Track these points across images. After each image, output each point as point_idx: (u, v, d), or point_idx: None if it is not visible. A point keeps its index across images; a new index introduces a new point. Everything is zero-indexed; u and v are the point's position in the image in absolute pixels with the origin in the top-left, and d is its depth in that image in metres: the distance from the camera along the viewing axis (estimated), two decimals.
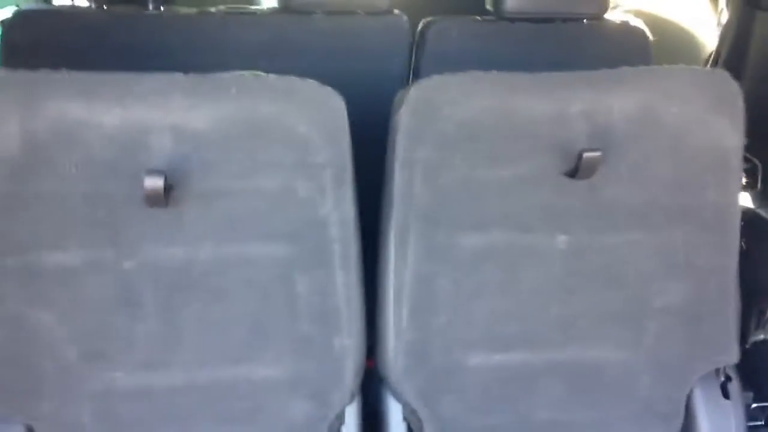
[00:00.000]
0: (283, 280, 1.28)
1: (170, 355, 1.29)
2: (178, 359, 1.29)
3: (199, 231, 1.24)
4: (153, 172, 1.15)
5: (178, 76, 1.19)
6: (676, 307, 1.38)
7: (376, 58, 1.91)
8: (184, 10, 1.97)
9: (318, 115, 1.23)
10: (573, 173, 1.27)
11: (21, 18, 1.84)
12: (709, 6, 2.47)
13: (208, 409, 1.33)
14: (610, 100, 1.27)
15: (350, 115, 1.25)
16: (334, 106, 1.23)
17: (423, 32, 1.94)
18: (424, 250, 1.32)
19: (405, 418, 1.43)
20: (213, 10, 1.96)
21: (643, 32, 2.02)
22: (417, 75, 1.92)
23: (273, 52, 1.86)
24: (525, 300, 1.35)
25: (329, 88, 1.24)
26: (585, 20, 1.97)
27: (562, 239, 1.33)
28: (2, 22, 1.89)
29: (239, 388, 1.33)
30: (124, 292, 1.25)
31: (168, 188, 1.17)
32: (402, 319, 1.34)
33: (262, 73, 1.24)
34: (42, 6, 2.21)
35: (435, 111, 1.26)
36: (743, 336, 1.52)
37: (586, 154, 1.24)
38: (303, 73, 1.24)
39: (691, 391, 1.46)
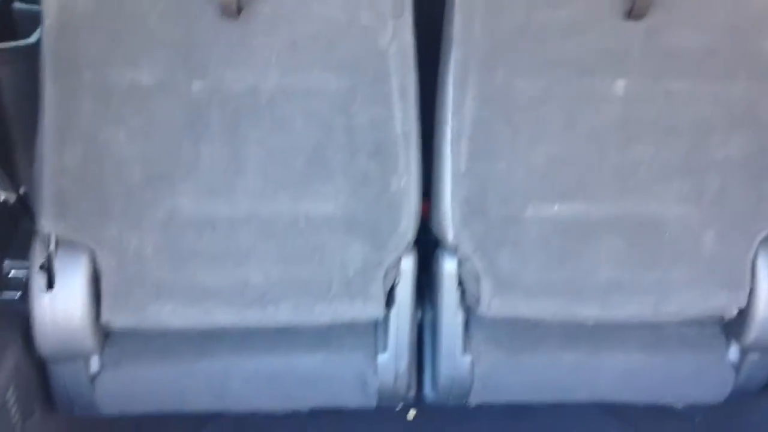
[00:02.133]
0: (343, 112, 1.39)
1: (233, 181, 1.40)
2: (241, 187, 1.40)
3: (265, 55, 1.37)
4: None
5: None
6: (738, 160, 1.44)
7: None
8: None
9: None
10: (630, 9, 1.36)
11: None
12: None
13: (267, 245, 1.43)
14: None
15: None
16: None
17: None
18: (483, 94, 1.40)
19: (460, 284, 1.50)
20: None
21: None
22: None
23: None
24: (583, 146, 1.43)
25: None
26: None
27: (620, 84, 1.41)
28: None
29: (298, 223, 1.42)
30: (191, 113, 1.37)
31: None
32: (460, 165, 1.42)
33: None
34: None
35: None
36: None
37: None
38: None
39: (755, 259, 1.47)
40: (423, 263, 1.51)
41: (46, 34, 1.34)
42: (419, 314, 1.59)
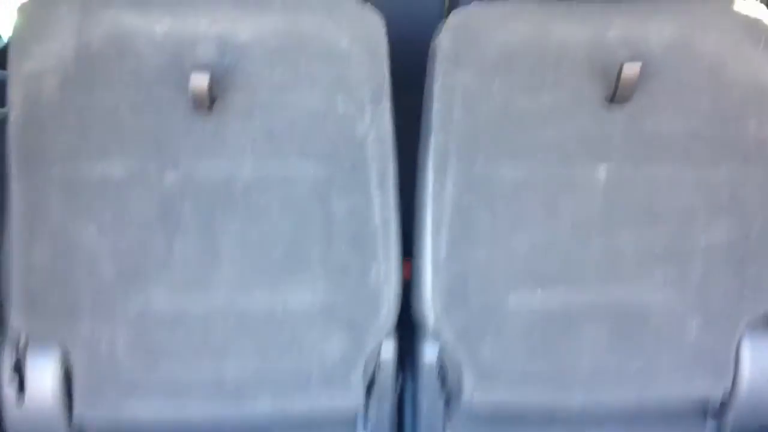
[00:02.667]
0: (321, 201, 1.37)
1: (208, 274, 1.37)
2: (216, 280, 1.37)
3: (240, 145, 1.34)
4: (199, 68, 1.26)
5: None
6: (722, 246, 1.42)
7: None
8: None
9: (358, 31, 1.34)
10: (612, 95, 1.34)
11: None
12: None
13: (243, 338, 1.40)
14: (647, 28, 1.36)
15: (390, 45, 1.36)
16: (374, 23, 1.35)
17: None
18: (463, 180, 1.38)
19: (440, 373, 1.47)
20: None
21: None
22: (455, 7, 1.92)
23: None
24: (566, 233, 1.41)
25: (369, 6, 1.35)
26: None
27: (602, 170, 1.39)
28: None
29: (275, 316, 1.39)
30: (164, 206, 1.34)
31: (212, 91, 1.28)
32: (441, 251, 1.40)
33: None
34: None
35: (474, 36, 1.35)
36: None
37: (626, 65, 1.31)
38: None
39: (740, 345, 1.46)
40: (404, 324, 1.48)
41: (11, 125, 1.31)
42: (400, 380, 1.57)
